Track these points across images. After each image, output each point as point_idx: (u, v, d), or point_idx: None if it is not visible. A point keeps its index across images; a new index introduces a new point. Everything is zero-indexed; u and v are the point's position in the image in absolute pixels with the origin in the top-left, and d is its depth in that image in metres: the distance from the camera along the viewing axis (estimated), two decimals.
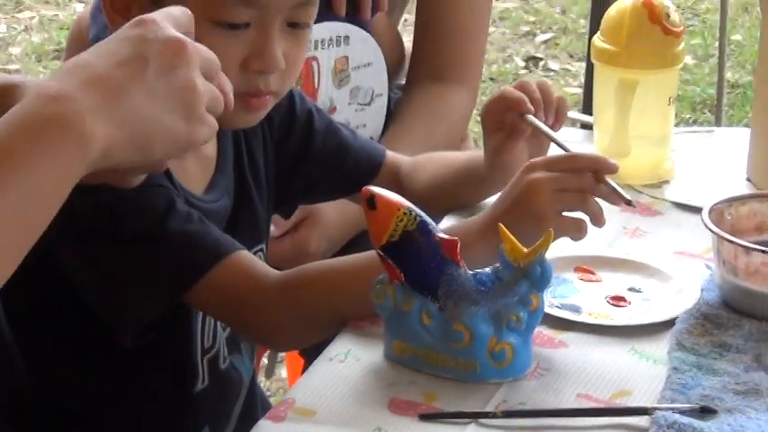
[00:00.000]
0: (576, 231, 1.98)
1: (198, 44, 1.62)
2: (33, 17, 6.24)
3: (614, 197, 2.03)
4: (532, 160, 2.03)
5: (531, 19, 5.63)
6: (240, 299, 2.01)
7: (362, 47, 2.81)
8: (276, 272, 2.03)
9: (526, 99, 2.20)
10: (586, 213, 2.00)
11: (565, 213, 1.99)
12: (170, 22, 1.61)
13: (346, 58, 2.78)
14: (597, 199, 1.99)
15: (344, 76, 2.78)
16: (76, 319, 2.07)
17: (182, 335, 2.12)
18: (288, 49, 2.03)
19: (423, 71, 2.91)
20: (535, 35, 5.52)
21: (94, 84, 1.54)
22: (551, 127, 2.22)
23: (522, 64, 5.28)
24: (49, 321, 2.11)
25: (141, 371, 2.12)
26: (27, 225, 1.52)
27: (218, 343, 2.16)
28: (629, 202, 2.05)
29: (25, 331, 2.13)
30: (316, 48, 2.71)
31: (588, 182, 2.01)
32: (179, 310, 2.04)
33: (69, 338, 2.10)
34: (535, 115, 2.20)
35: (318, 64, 2.75)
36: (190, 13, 1.67)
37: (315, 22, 2.15)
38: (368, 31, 2.80)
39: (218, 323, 2.15)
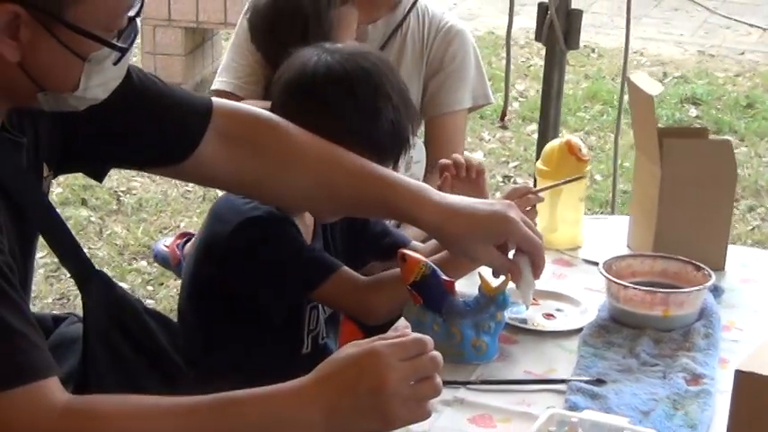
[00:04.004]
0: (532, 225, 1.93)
1: (418, 362, 1.47)
2: None
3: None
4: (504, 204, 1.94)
5: (507, 153, 5.62)
6: (347, 292, 2.01)
7: (419, 151, 2.77)
8: (364, 278, 2.05)
9: (449, 163, 2.18)
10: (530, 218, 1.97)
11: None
12: (398, 351, 1.47)
13: (411, 157, 2.72)
14: None
15: (408, 168, 2.73)
16: (235, 311, 2.07)
17: (295, 320, 2.11)
18: None
19: (430, 164, 2.83)
20: (508, 162, 5.50)
21: (329, 416, 1.47)
22: (475, 177, 2.18)
23: (501, 179, 5.27)
24: (221, 315, 2.10)
25: (269, 340, 2.09)
26: None
27: (319, 326, 2.14)
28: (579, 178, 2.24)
29: (205, 319, 2.12)
30: None
31: (532, 199, 2.12)
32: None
33: (231, 322, 2.09)
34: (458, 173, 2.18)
35: None
36: (424, 340, 1.50)
37: None
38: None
39: (320, 314, 2.13)
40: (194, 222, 4.61)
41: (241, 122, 1.87)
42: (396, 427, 1.52)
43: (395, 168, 2.05)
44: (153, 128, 1.77)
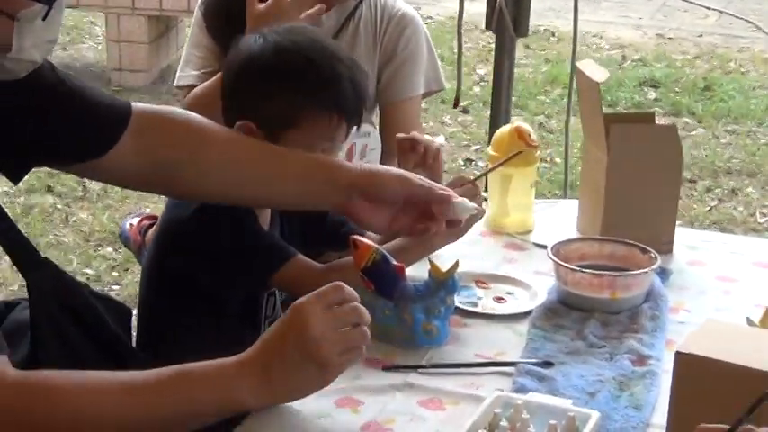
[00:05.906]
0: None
1: (346, 309, 1.58)
2: None
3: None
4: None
5: (468, 137, 5.63)
6: (303, 278, 1.98)
7: (375, 139, 2.78)
8: (319, 264, 2.02)
9: (406, 137, 2.17)
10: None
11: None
12: (317, 299, 1.57)
13: (365, 145, 2.75)
14: None
15: (363, 155, 2.75)
16: (193, 297, 2.05)
17: (252, 307, 2.10)
18: None
19: (386, 151, 2.83)
20: (470, 146, 5.51)
21: (267, 379, 1.55)
22: (432, 164, 2.16)
23: (462, 163, 5.29)
24: (179, 301, 2.08)
25: (225, 326, 2.07)
26: None
27: (276, 312, 2.13)
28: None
29: (163, 304, 2.11)
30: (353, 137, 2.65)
31: (472, 189, 2.05)
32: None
33: (188, 308, 2.07)
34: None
35: (355, 147, 2.72)
36: (341, 285, 1.61)
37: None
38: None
39: (277, 301, 2.12)
40: (159, 209, 4.58)
41: (157, 120, 1.86)
42: (334, 372, 1.59)
43: (358, 128, 2.06)
44: (69, 123, 1.75)
